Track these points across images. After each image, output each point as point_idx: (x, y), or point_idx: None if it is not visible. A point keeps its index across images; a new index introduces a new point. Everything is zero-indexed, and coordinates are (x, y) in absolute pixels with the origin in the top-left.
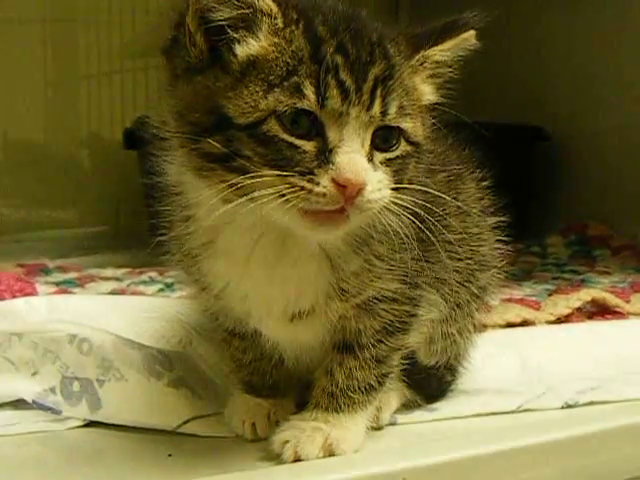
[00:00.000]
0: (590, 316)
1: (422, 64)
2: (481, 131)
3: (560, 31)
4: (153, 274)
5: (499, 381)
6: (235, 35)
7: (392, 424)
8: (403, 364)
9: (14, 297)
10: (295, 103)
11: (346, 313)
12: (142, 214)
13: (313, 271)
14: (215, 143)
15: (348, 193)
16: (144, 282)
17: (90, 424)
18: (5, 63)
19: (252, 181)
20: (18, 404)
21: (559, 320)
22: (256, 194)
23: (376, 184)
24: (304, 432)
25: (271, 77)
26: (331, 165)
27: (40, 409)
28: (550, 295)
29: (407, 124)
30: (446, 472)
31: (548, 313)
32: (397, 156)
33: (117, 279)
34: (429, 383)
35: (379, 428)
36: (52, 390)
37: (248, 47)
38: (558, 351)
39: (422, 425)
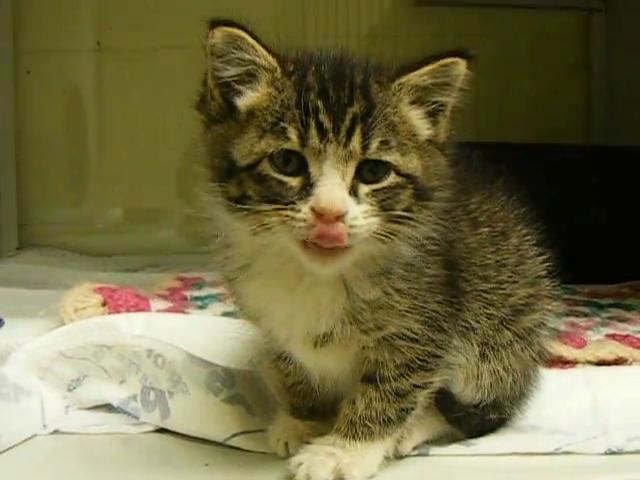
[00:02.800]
0: None
1: (400, 90)
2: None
3: None
4: None
5: (557, 420)
6: (240, 88)
7: (424, 455)
8: (439, 400)
9: (128, 312)
10: (281, 145)
11: (366, 345)
12: None
13: (329, 297)
14: (232, 186)
15: (325, 219)
16: None
17: (161, 430)
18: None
19: (257, 215)
20: (108, 407)
21: None
22: (267, 223)
23: (359, 213)
24: (318, 456)
25: (264, 124)
26: (311, 196)
27: (123, 413)
28: None
29: (393, 157)
30: None
31: None
32: (385, 187)
33: None
34: (469, 420)
35: (399, 457)
36: (134, 398)
37: (248, 98)
38: (633, 394)
39: (454, 458)
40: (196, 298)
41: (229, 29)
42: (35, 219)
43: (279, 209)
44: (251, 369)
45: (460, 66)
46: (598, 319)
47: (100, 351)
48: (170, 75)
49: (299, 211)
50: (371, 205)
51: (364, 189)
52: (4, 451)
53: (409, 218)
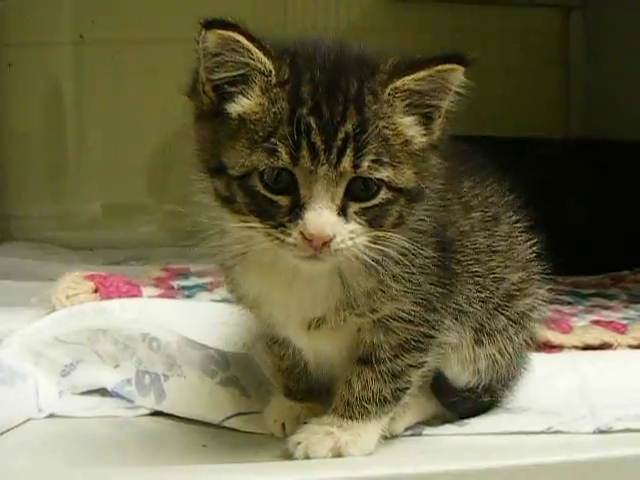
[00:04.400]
0: None
1: (394, 96)
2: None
3: None
4: None
5: (547, 402)
6: (233, 90)
7: (417, 435)
8: (435, 386)
9: (120, 298)
10: (272, 162)
11: (361, 327)
12: None
13: (325, 287)
14: (220, 184)
15: (314, 245)
16: None
17: (156, 413)
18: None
19: (245, 225)
20: (103, 391)
21: None
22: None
23: (347, 234)
24: (316, 434)
25: (255, 137)
26: (300, 220)
27: (117, 397)
28: None
29: (385, 174)
30: None
31: (631, 337)
32: (375, 204)
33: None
34: (463, 404)
35: (392, 437)
36: (128, 381)
37: (240, 106)
38: (622, 376)
39: (447, 438)
40: (183, 287)
41: (223, 32)
42: (16, 212)
43: (268, 229)
44: (245, 352)
45: (458, 73)
46: (581, 307)
47: (94, 336)
48: (152, 69)
49: (289, 235)
50: (359, 224)
51: (353, 207)
52: (0, 434)
53: (399, 224)
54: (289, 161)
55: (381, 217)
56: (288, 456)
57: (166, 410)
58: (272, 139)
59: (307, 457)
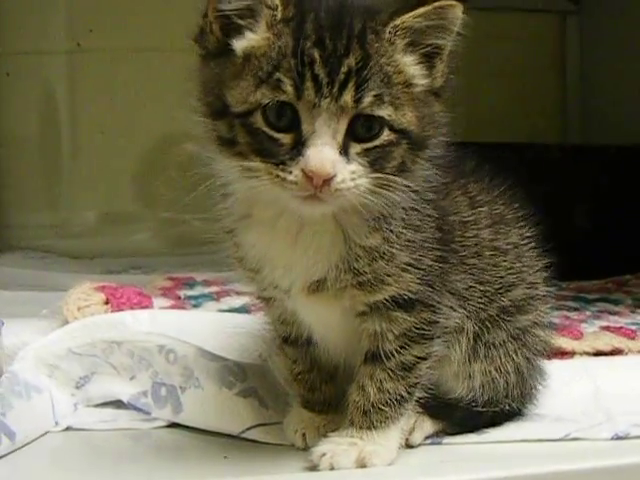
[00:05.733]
0: None
1: (395, 34)
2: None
3: None
4: None
5: (562, 409)
6: (240, 22)
7: (437, 444)
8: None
9: (132, 309)
10: (276, 96)
11: (362, 307)
12: None
13: (327, 243)
14: (223, 127)
15: (315, 183)
16: None
17: (173, 425)
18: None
19: (247, 165)
20: (119, 404)
21: None
22: (254, 176)
23: (348, 175)
24: (340, 446)
25: (260, 72)
26: (301, 157)
27: (134, 410)
28: None
29: (386, 112)
30: None
31: None
32: (377, 145)
33: (253, 294)
34: (451, 412)
35: (413, 447)
36: (144, 394)
37: (246, 40)
38: (634, 383)
39: (466, 446)
40: (189, 297)
41: None
42: (13, 221)
43: (269, 167)
44: (261, 363)
45: (456, 9)
46: (588, 312)
47: (109, 348)
48: (148, 78)
49: (290, 173)
50: (361, 165)
51: (355, 148)
52: (18, 449)
53: (402, 170)
54: (293, 94)
55: (383, 160)
56: (312, 467)
57: (183, 422)
58: (276, 73)
59: (332, 468)
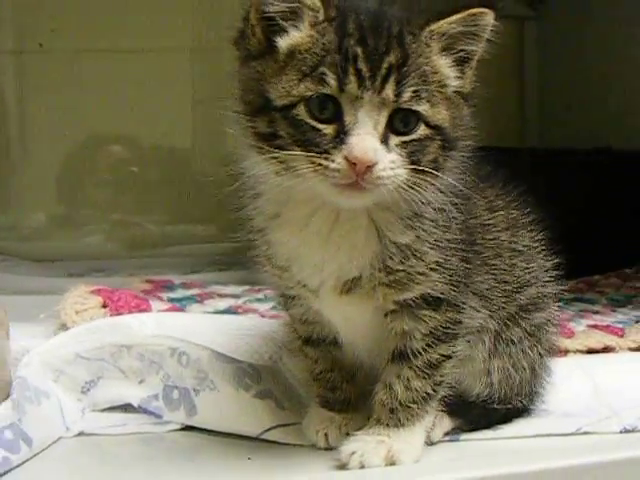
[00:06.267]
0: None
1: (431, 38)
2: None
3: None
4: (269, 292)
5: (567, 404)
6: (283, 24)
7: (455, 440)
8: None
9: (130, 312)
10: (320, 89)
11: (391, 306)
12: None
13: (362, 241)
14: (262, 123)
15: (357, 169)
16: (259, 300)
17: (186, 428)
18: (155, 88)
19: (287, 157)
20: (127, 408)
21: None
22: (294, 167)
23: (388, 163)
24: (369, 444)
25: (304, 67)
26: (344, 145)
27: (144, 413)
28: (637, 322)
29: (424, 107)
30: None
31: (631, 340)
32: (414, 139)
33: (235, 296)
34: (469, 410)
35: (431, 444)
36: (155, 397)
37: (290, 37)
38: (632, 378)
39: (483, 442)
40: (172, 300)
41: None
42: None
43: (312, 157)
44: (272, 365)
45: (489, 17)
46: (571, 312)
47: (118, 351)
48: (96, 79)
49: (333, 161)
50: (400, 156)
51: (394, 140)
52: (35, 455)
53: (435, 168)
54: (336, 87)
55: (419, 153)
56: (341, 466)
57: (198, 424)
58: (321, 67)
59: (362, 467)
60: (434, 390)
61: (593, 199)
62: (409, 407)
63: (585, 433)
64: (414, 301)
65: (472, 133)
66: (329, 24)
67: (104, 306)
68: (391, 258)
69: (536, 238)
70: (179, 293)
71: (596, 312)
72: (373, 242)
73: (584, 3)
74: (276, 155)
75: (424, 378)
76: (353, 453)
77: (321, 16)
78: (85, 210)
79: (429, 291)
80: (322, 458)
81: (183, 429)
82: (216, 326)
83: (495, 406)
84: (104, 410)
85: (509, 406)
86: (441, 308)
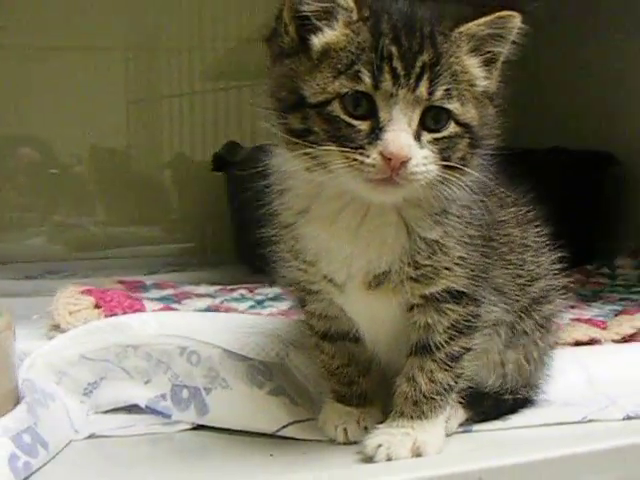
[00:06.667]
0: None
1: (460, 39)
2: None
3: (630, 54)
4: (244, 291)
5: (566, 394)
6: (318, 23)
7: (469, 431)
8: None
9: (124, 313)
10: (355, 87)
11: (414, 300)
12: (226, 233)
13: (392, 236)
14: (295, 119)
15: (392, 164)
16: (236, 299)
17: (198, 427)
18: (90, 88)
19: (320, 152)
20: (132, 409)
21: (624, 339)
22: (326, 163)
23: (421, 159)
24: (395, 437)
25: (339, 65)
26: (380, 141)
27: (152, 414)
28: (616, 315)
29: (454, 105)
30: (519, 473)
31: (614, 332)
32: (445, 136)
33: (210, 296)
34: (482, 401)
35: (448, 435)
36: (163, 397)
37: (324, 36)
38: (622, 368)
39: (495, 432)
40: (151, 300)
41: None
42: None
43: (346, 152)
44: (280, 362)
45: (516, 19)
46: None
47: (124, 352)
48: (59, 77)
49: (368, 156)
50: (432, 152)
51: (426, 137)
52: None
53: (464, 165)
54: (371, 85)
55: (450, 150)
56: (367, 459)
57: (210, 423)
58: (356, 65)
59: (389, 459)
60: (455, 382)
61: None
62: (433, 399)
63: (590, 421)
64: (440, 294)
65: (496, 132)
66: (363, 23)
67: (96, 306)
68: (419, 253)
69: (541, 233)
70: (154, 293)
71: (573, 307)
72: (403, 238)
73: None
74: (309, 151)
75: (446, 370)
76: (379, 446)
77: (355, 16)
78: (26, 212)
79: (453, 285)
80: (343, 452)
81: (194, 429)
82: (220, 324)
83: (505, 397)
84: (108, 412)
85: (518, 396)
86: (462, 302)
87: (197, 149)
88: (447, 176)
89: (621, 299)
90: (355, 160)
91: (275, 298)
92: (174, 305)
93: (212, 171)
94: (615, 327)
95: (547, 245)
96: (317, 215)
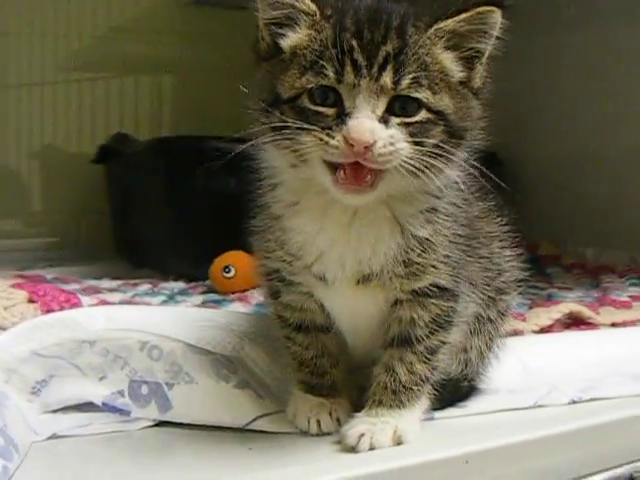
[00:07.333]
0: (567, 327)
1: (437, 36)
2: None
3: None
4: (147, 286)
5: (508, 382)
6: (280, 30)
7: (430, 419)
8: None
9: (62, 308)
10: (319, 81)
11: (404, 295)
12: (104, 227)
13: (386, 233)
14: (274, 117)
15: (356, 150)
16: (148, 294)
17: (159, 424)
18: None
19: (297, 145)
20: (85, 407)
21: (542, 330)
22: (302, 152)
23: (387, 138)
24: (376, 425)
25: (304, 62)
26: (344, 126)
27: (109, 411)
28: (531, 308)
29: (424, 94)
30: (500, 455)
31: (533, 324)
32: (416, 121)
33: (119, 291)
34: (443, 388)
35: None
36: (120, 393)
37: (290, 39)
38: (550, 356)
39: (456, 419)
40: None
41: None
42: None
43: (314, 130)
44: (237, 355)
45: (496, 14)
46: None
47: (78, 347)
48: None
49: (333, 138)
50: (400, 133)
51: (395, 120)
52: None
53: (441, 154)
54: (334, 78)
55: (421, 135)
56: (346, 449)
57: (174, 419)
58: (319, 62)
59: (372, 448)
60: (432, 374)
61: None
62: (411, 389)
63: (540, 406)
64: (428, 289)
65: (481, 127)
66: (326, 22)
67: (30, 301)
68: (412, 251)
69: (503, 226)
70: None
71: None
72: (396, 236)
73: None
74: (288, 144)
75: (424, 362)
76: (362, 435)
77: (318, 17)
78: None
79: (438, 280)
80: (320, 444)
81: (154, 426)
82: (174, 318)
83: (462, 384)
84: (63, 411)
85: (472, 383)
86: (444, 297)
87: (72, 140)
88: (427, 164)
89: (520, 293)
90: (321, 140)
91: (183, 292)
92: (86, 298)
93: (92, 163)
94: (534, 319)
95: (507, 238)
96: (306, 208)
